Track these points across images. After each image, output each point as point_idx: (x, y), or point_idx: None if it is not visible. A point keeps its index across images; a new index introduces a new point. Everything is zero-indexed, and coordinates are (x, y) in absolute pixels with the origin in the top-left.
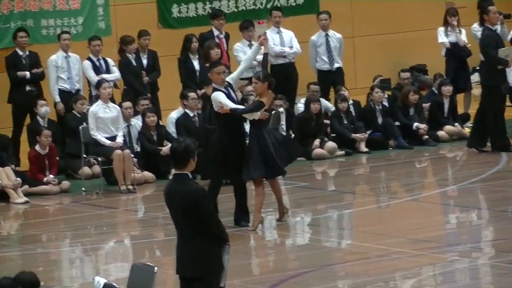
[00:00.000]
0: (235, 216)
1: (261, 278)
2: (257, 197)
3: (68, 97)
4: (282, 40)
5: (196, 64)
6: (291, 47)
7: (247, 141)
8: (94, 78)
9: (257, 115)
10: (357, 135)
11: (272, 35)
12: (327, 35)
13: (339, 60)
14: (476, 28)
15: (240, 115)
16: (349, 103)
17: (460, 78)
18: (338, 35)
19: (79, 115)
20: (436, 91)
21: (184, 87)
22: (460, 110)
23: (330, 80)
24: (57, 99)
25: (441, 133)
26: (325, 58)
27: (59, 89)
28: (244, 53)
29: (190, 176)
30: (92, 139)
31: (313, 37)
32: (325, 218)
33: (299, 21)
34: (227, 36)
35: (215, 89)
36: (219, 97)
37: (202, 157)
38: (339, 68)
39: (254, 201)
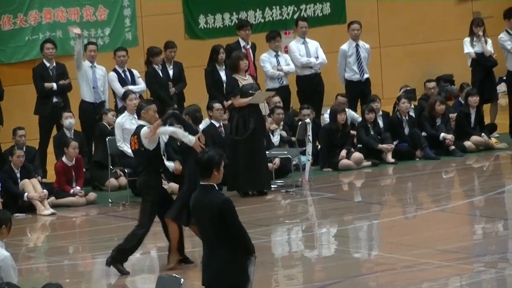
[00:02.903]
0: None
1: None
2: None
3: (91, 108)
4: (308, 50)
5: (222, 74)
6: (317, 58)
7: None
8: (120, 89)
9: (191, 141)
10: (384, 145)
11: (298, 45)
12: (357, 45)
13: (367, 70)
14: (503, 38)
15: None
16: (378, 114)
17: (487, 88)
18: (367, 45)
19: (109, 127)
20: (462, 101)
21: (211, 98)
22: (487, 120)
23: (359, 90)
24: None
25: (468, 143)
26: (355, 68)
27: (82, 99)
28: (270, 63)
29: (216, 187)
30: (118, 151)
31: (343, 47)
32: (352, 229)
33: (325, 32)
34: (253, 47)
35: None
36: (144, 130)
37: (229, 168)
38: (367, 79)
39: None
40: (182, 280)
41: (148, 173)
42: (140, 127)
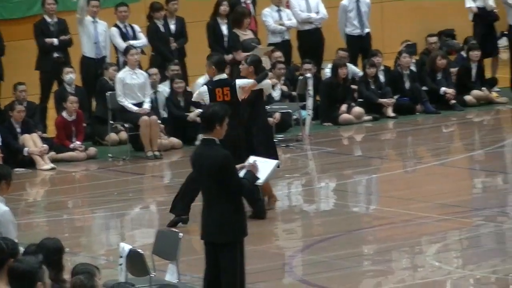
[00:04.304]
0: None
1: (286, 243)
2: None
3: (92, 63)
4: (309, 5)
5: (224, 29)
6: (317, 13)
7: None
8: (121, 44)
9: (269, 85)
10: (385, 100)
11: (298, 0)
12: (357, 0)
13: (368, 25)
14: None
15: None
16: (380, 68)
17: (488, 43)
18: (367, 0)
19: (110, 81)
20: (465, 56)
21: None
22: (488, 74)
23: (359, 45)
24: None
25: (468, 97)
26: (356, 23)
27: (83, 55)
28: (272, 18)
29: (217, 142)
30: (119, 106)
31: (344, 2)
32: (351, 183)
33: None
34: (254, 1)
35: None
36: (244, 81)
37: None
38: (368, 33)
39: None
40: (180, 234)
41: (239, 127)
42: (228, 80)
